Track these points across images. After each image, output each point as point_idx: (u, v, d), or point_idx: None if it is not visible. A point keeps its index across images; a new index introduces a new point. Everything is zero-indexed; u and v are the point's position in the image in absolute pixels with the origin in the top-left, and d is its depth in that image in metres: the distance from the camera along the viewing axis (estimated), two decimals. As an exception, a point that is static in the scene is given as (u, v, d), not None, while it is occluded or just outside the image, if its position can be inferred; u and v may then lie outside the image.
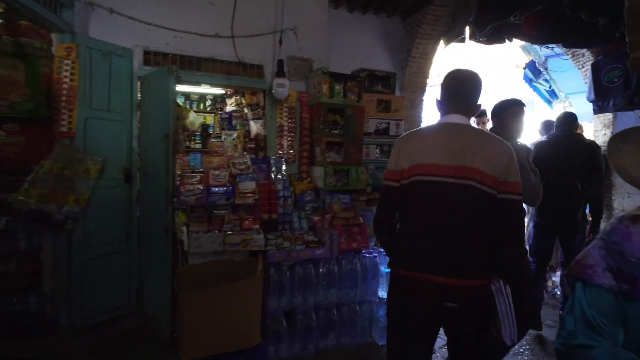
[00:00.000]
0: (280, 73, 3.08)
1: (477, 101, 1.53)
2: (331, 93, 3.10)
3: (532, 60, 5.78)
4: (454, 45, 4.44)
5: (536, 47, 5.39)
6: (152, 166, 2.80)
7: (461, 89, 1.51)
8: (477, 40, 4.47)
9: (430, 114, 4.82)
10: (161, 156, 2.62)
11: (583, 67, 5.02)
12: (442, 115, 1.54)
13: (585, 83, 5.06)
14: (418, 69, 4.24)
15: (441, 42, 4.30)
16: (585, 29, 4.26)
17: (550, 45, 5.12)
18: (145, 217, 2.88)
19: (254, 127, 3.41)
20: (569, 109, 11.92)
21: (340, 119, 3.12)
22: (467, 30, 4.41)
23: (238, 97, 3.62)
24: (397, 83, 3.63)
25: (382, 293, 2.92)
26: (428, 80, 4.44)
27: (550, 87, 6.85)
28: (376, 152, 3.33)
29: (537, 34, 4.46)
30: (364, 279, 2.77)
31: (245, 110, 3.47)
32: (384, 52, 4.18)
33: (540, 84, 6.57)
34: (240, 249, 2.50)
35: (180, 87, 4.84)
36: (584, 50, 4.83)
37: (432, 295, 1.38)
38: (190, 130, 2.99)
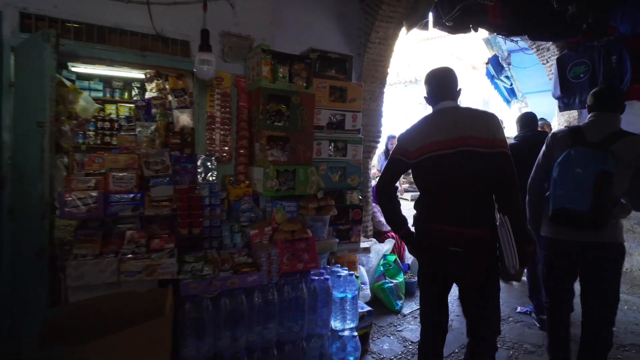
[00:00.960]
0: (204, 47, 2.44)
1: (457, 87, 1.88)
2: (274, 77, 2.51)
3: (495, 55, 5.51)
4: (413, 43, 4.02)
5: (500, 40, 5.11)
6: (28, 166, 2.08)
7: (444, 81, 1.86)
8: (442, 28, 4.06)
9: (391, 109, 4.36)
10: (35, 153, 1.92)
11: (548, 61, 4.80)
12: (434, 105, 1.88)
13: (550, 79, 4.84)
14: (378, 56, 3.75)
15: (403, 29, 3.84)
16: (552, 20, 3.98)
17: (514, 39, 4.86)
18: (20, 236, 2.15)
19: (180, 118, 2.75)
20: (525, 109, 12.19)
21: (285, 109, 2.54)
22: (431, 16, 4.00)
23: (160, 82, 2.94)
24: (354, 72, 3.11)
25: (336, 323, 2.38)
26: (389, 71, 3.96)
27: (511, 84, 6.69)
28: (329, 150, 2.78)
29: (502, 24, 4.13)
30: (312, 308, 2.21)
31: (170, 98, 2.81)
32: (339, 35, 3.65)
33: (502, 80, 6.38)
34: (143, 277, 1.86)
35: (82, 69, 4.13)
36: (549, 44, 4.60)
37: (452, 240, 1.72)
38: (82, 119, 2.28)
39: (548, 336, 2.27)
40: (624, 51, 3.98)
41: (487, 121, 1.72)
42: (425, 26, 3.93)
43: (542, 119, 4.93)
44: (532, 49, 4.75)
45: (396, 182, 1.97)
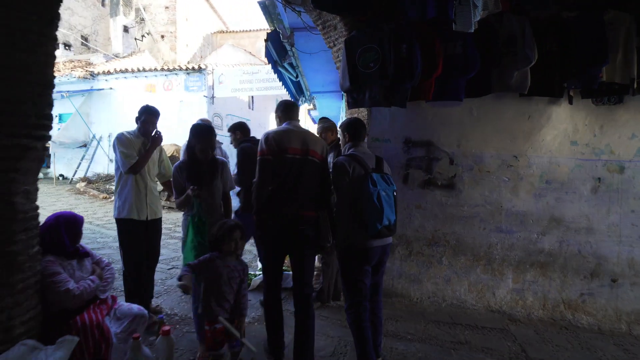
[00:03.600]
0: None
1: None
2: None
3: (276, 29, 4.22)
4: None
5: (280, 7, 3.79)
6: None
7: (291, 110, 2.72)
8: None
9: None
10: None
11: (335, 44, 3.81)
12: (285, 121, 2.64)
13: (338, 69, 3.85)
14: None
15: None
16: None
17: (298, 8, 3.64)
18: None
19: None
20: (314, 112, 12.00)
21: None
22: None
23: None
24: None
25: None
26: None
27: (297, 77, 5.69)
28: None
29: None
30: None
31: None
32: None
33: (287, 69, 5.25)
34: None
35: None
36: (337, 19, 3.57)
37: (295, 221, 2.45)
38: None
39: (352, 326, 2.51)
40: (414, 40, 3.23)
41: (321, 142, 2.68)
42: None
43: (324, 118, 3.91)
44: (318, 25, 3.68)
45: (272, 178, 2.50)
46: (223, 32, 25.58)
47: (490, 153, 3.74)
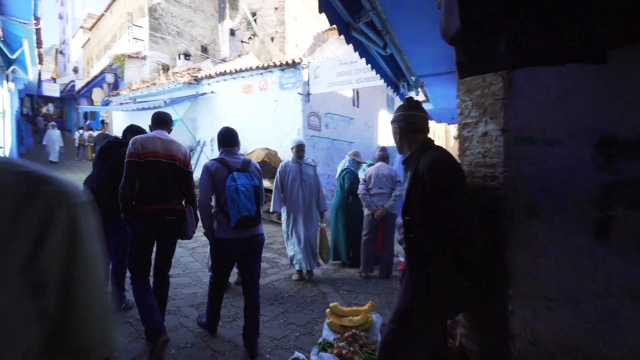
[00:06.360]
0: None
1: (171, 126, 3.24)
2: None
3: None
4: None
5: None
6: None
7: (164, 120, 3.15)
8: None
9: None
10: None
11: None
12: (155, 130, 3.06)
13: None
14: None
15: None
16: None
17: None
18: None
19: None
20: (428, 106, 9.81)
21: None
22: None
23: None
24: None
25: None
26: None
27: (385, 46, 3.85)
28: None
29: None
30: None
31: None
32: None
33: (368, 35, 3.47)
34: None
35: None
36: None
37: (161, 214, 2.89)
38: None
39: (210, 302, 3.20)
40: None
41: (184, 149, 3.11)
42: None
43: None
44: None
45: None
46: (334, 28, 24.72)
47: None
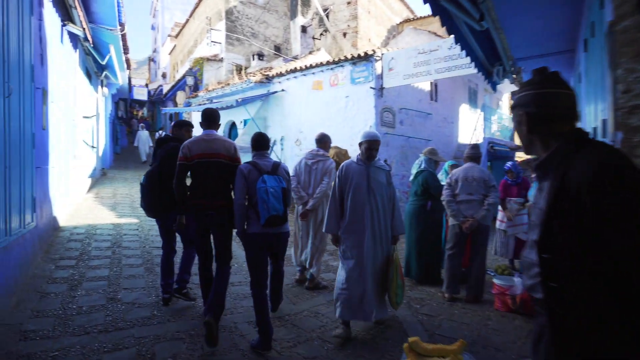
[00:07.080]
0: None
1: (218, 123, 3.53)
2: None
3: None
4: None
5: None
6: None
7: (211, 118, 3.43)
8: None
9: None
10: None
11: None
12: (204, 127, 3.41)
13: None
14: None
15: None
16: None
17: None
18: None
19: None
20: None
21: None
22: None
23: None
24: None
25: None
26: None
27: (481, 18, 3.05)
28: None
29: None
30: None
31: None
32: None
33: (462, 4, 2.71)
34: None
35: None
36: None
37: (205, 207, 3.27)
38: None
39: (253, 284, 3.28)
40: None
41: (230, 145, 3.37)
42: None
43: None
44: None
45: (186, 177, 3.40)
46: (409, 20, 23.32)
47: None
